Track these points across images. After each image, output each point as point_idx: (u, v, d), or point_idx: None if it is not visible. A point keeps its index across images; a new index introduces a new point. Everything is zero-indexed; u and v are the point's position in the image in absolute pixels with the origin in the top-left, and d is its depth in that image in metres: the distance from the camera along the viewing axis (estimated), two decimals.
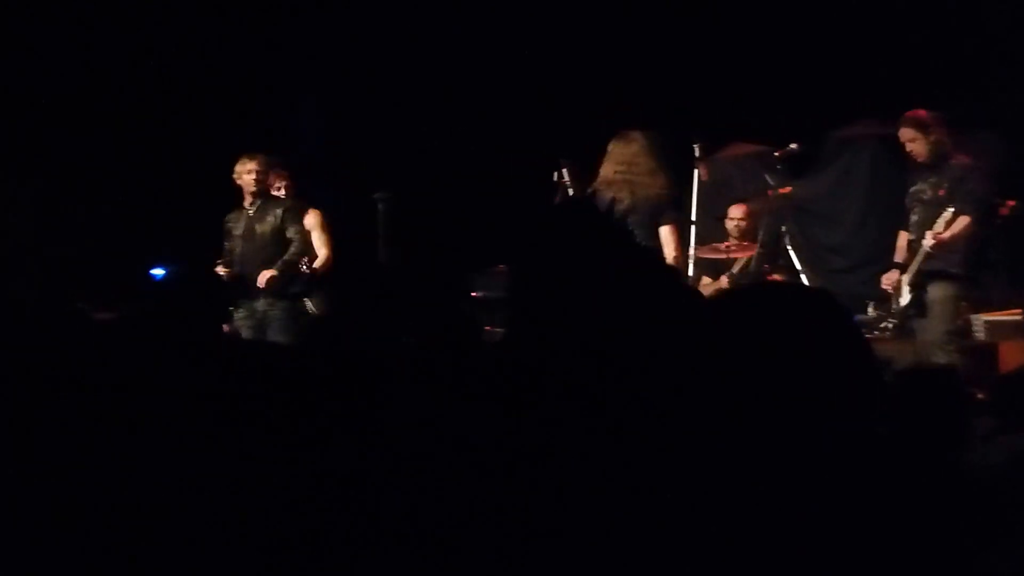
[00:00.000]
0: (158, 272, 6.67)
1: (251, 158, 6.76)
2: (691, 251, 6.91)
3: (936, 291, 5.83)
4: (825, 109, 6.70)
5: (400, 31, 8.93)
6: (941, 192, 5.86)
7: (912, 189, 6.08)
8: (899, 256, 6.19)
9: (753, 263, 6.95)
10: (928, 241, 5.73)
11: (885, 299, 6.24)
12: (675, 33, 8.52)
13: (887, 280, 6.13)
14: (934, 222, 5.81)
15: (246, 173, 6.74)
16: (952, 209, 5.67)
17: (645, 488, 1.59)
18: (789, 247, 7.62)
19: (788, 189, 7.81)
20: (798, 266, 7.44)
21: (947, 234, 5.68)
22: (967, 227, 5.77)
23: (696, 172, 6.87)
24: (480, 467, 1.74)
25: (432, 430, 1.86)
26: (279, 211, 6.81)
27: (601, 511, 1.60)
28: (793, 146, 7.13)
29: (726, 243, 7.43)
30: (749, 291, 1.98)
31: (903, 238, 6.19)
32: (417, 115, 8.86)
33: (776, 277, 7.10)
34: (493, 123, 8.72)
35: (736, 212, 7.68)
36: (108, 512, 1.91)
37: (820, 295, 1.68)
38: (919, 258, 5.84)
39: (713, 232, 7.67)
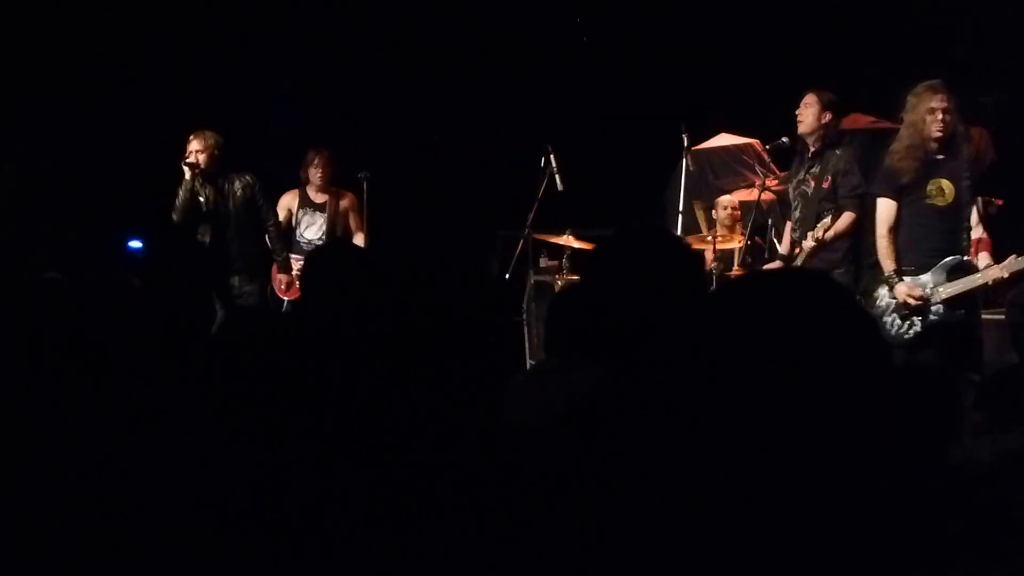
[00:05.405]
0: (136, 244, 6.58)
1: None
2: None
3: None
4: None
5: (380, 5, 8.86)
6: (825, 184, 5.79)
7: (795, 180, 6.05)
8: (784, 248, 6.13)
9: (740, 256, 6.90)
10: (808, 243, 5.65)
11: (868, 294, 6.16)
12: (667, 21, 8.47)
13: None
14: (815, 221, 5.75)
15: None
16: (844, 207, 5.64)
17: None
18: (775, 240, 7.58)
19: (775, 182, 7.77)
20: None
21: (829, 233, 5.60)
22: (851, 224, 5.70)
23: (684, 161, 6.81)
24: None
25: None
26: None
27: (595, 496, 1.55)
28: (783, 140, 7.08)
29: (712, 234, 7.37)
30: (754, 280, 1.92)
31: (788, 230, 6.14)
32: (400, 94, 8.78)
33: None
34: (480, 105, 8.65)
35: (725, 203, 7.64)
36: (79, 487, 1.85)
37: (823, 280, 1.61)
38: (802, 258, 5.75)
39: (698, 223, 7.62)
